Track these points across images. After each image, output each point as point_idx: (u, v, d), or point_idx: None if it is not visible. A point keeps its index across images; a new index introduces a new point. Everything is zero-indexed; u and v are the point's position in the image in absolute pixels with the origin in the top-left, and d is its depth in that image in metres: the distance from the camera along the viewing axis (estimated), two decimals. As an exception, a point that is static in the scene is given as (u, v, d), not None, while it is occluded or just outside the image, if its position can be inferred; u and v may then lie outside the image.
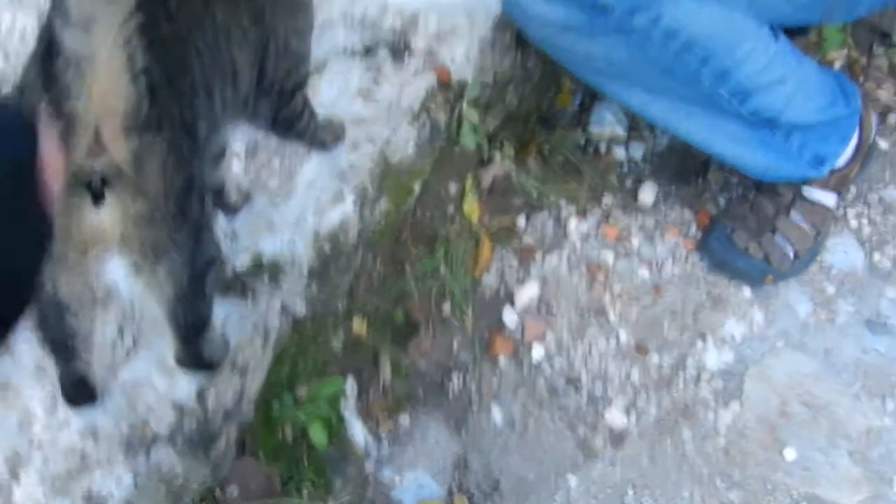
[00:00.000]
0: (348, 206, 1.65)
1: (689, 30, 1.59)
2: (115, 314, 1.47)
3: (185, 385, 1.45)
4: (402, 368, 1.82)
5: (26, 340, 1.37)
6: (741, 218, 2.00)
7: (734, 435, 1.84)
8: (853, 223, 2.08)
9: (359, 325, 1.74)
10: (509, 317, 1.94)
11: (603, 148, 2.14)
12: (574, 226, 2.04)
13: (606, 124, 2.10)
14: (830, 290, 2.01)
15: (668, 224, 2.08)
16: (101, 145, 1.00)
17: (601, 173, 2.10)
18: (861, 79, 2.33)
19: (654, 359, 1.93)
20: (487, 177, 1.95)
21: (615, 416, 1.86)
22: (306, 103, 1.48)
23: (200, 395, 1.46)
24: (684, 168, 2.14)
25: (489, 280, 1.97)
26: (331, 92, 1.74)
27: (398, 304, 1.82)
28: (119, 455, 1.40)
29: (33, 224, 0.81)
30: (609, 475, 1.81)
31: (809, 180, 1.94)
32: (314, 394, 1.61)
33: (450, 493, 1.78)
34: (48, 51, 0.98)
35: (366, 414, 1.78)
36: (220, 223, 1.56)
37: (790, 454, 1.83)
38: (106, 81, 0.96)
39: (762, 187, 1.98)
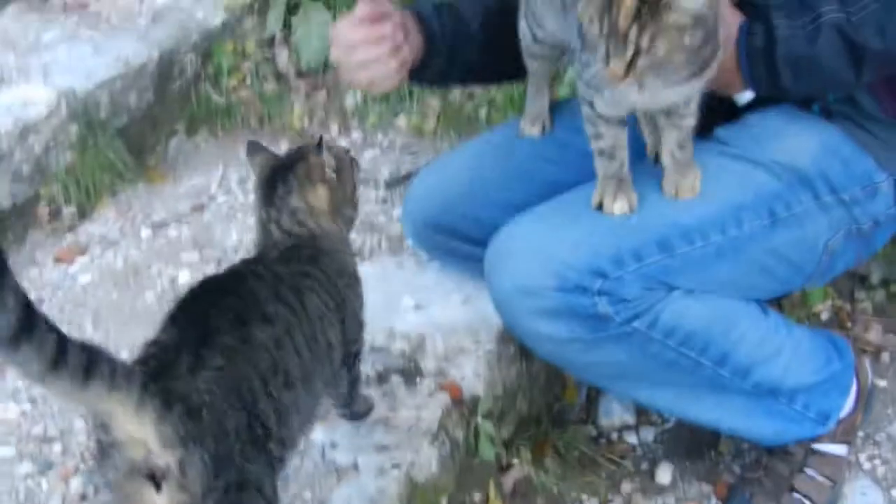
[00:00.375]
0: (377, 531, 1.99)
1: (686, 324, 2.00)
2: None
3: None
4: None
5: None
6: (758, 483, 2.31)
7: None
8: (866, 465, 2.43)
9: None
10: None
11: (615, 436, 2.54)
12: (598, 518, 2.39)
13: (615, 414, 2.52)
14: (857, 534, 2.34)
15: (687, 500, 2.41)
16: (151, 450, 1.40)
17: (617, 461, 2.42)
18: (849, 324, 2.77)
19: None
20: (508, 482, 2.30)
21: None
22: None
23: None
24: (696, 443, 2.51)
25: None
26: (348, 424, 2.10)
27: None
28: None
29: None
30: None
31: (819, 436, 2.28)
32: None
33: None
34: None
35: None
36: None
37: None
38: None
39: (774, 450, 2.30)
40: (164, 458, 1.39)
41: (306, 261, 1.76)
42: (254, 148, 1.94)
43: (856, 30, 1.88)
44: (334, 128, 3.36)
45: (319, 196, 1.83)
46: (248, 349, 1.54)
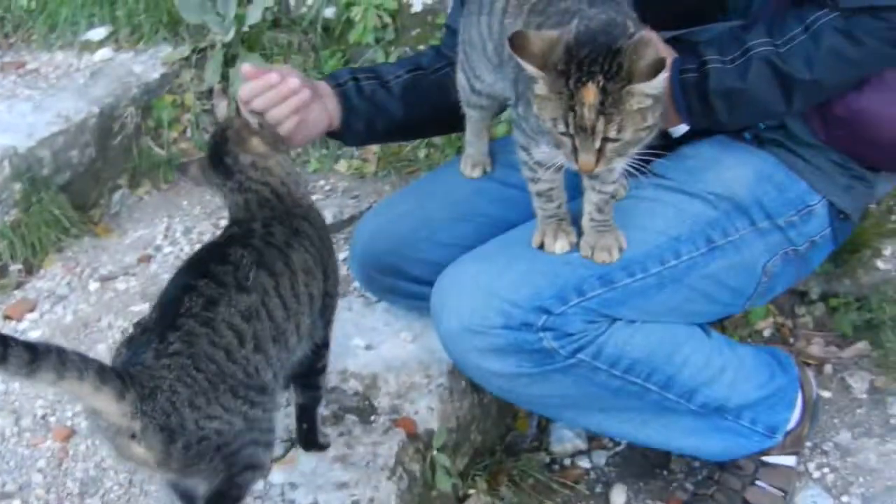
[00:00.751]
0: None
1: (630, 353, 2.07)
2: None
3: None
4: None
5: None
6: (711, 499, 2.36)
7: None
8: (816, 474, 2.50)
9: None
10: None
11: (568, 462, 2.59)
12: (557, 546, 2.43)
13: (566, 441, 2.58)
14: (809, 540, 2.41)
15: (643, 520, 2.48)
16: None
17: (571, 486, 2.47)
18: (791, 340, 2.84)
19: None
20: (466, 513, 2.32)
21: None
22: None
23: None
24: (648, 464, 2.57)
25: None
26: (309, 461, 2.16)
27: None
28: None
29: None
30: None
31: (767, 449, 2.34)
32: None
33: None
34: None
35: None
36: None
37: None
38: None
39: (724, 465, 2.37)
40: (128, 425, 1.69)
41: (293, 218, 2.03)
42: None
43: (784, 62, 1.97)
44: (275, 175, 3.41)
45: (257, 144, 2.04)
46: (210, 332, 1.78)
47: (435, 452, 2.23)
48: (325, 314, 2.09)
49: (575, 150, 1.74)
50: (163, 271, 2.96)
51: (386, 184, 3.31)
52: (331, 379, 2.30)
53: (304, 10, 3.57)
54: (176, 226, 3.20)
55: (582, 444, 2.58)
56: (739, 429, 2.26)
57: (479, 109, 2.24)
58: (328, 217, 3.07)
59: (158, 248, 3.10)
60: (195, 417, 1.73)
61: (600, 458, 2.58)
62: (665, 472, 2.53)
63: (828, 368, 2.76)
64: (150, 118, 3.48)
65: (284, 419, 2.24)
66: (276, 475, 2.11)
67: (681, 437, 2.25)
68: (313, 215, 2.11)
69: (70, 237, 3.13)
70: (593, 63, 1.69)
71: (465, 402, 2.37)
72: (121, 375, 1.69)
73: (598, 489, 2.51)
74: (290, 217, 2.03)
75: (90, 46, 3.72)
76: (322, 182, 3.36)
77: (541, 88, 1.74)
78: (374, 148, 3.36)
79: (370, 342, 2.45)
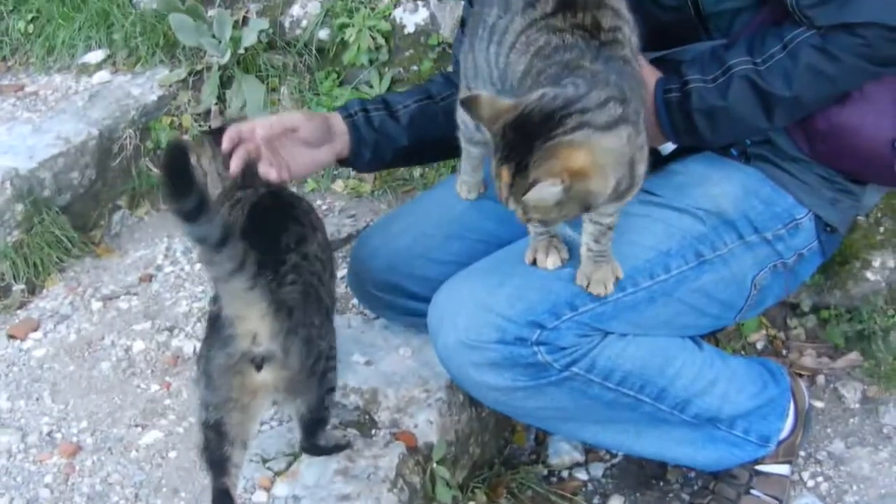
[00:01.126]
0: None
1: (623, 366, 2.13)
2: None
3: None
4: None
5: None
6: (706, 508, 2.45)
7: None
8: (810, 483, 2.54)
9: None
10: None
11: (566, 474, 2.64)
12: (552, 560, 2.51)
13: (564, 453, 2.64)
14: (805, 549, 2.47)
15: (640, 531, 2.53)
16: (258, 342, 1.96)
17: (569, 498, 2.53)
18: (784, 351, 2.89)
19: None
20: (468, 524, 2.38)
21: None
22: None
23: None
24: (644, 475, 2.63)
25: None
26: (311, 474, 2.23)
27: None
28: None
29: None
30: None
31: (761, 458, 2.40)
32: None
33: None
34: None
35: None
36: None
37: None
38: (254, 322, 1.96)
39: (719, 474, 2.43)
40: (269, 347, 1.97)
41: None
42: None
43: (764, 80, 2.03)
44: (273, 195, 3.48)
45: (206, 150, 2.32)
46: (307, 263, 2.13)
47: (435, 465, 2.30)
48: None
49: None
50: (164, 290, 3.03)
51: (382, 203, 3.38)
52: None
53: (298, 31, 3.62)
54: (176, 245, 3.27)
55: (579, 457, 2.64)
56: (733, 438, 2.32)
57: (481, 146, 2.26)
58: (326, 236, 3.15)
59: (159, 268, 3.17)
60: (317, 334, 2.08)
61: (597, 469, 2.63)
62: (661, 483, 2.59)
63: (820, 379, 2.80)
64: (149, 139, 3.54)
65: (287, 434, 2.33)
66: (280, 488, 2.19)
67: (675, 447, 2.31)
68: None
69: (72, 257, 3.20)
70: (513, 150, 1.76)
71: (464, 415, 2.44)
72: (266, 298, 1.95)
73: (596, 500, 2.56)
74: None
75: (88, 69, 3.79)
76: (319, 202, 3.42)
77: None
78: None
79: (370, 358, 2.52)
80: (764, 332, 2.91)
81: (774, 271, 2.26)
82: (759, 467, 2.40)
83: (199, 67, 3.64)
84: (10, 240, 3.08)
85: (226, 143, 2.21)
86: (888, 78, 2.09)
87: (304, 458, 2.25)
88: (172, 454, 2.40)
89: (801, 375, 2.75)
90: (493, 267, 2.16)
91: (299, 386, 2.07)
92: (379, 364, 2.50)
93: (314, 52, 3.58)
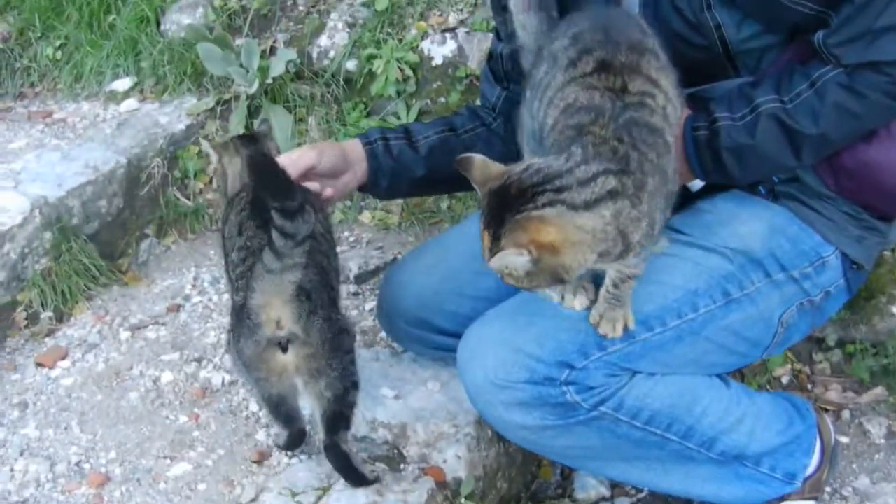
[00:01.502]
0: None
1: (651, 405, 2.17)
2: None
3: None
4: None
5: None
6: (732, 544, 2.47)
7: None
8: (835, 519, 2.58)
9: None
10: None
11: (592, 509, 2.64)
12: None
13: (590, 488, 2.66)
14: (828, 588, 2.48)
15: (665, 566, 2.56)
16: (282, 326, 2.14)
17: (595, 532, 2.56)
18: (809, 386, 2.91)
19: None
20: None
21: None
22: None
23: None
24: (670, 509, 2.63)
25: None
26: None
27: None
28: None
29: None
30: None
31: (787, 495, 2.42)
32: None
33: None
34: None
35: None
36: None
37: None
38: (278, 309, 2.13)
39: (746, 511, 2.47)
40: (292, 329, 2.14)
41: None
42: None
43: (791, 117, 2.07)
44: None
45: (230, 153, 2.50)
46: (316, 243, 2.20)
47: (463, 500, 2.33)
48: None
49: None
50: (192, 321, 3.07)
51: (410, 235, 3.42)
52: (361, 428, 2.42)
53: (326, 62, 3.68)
54: (203, 275, 3.32)
55: (605, 492, 2.65)
56: (759, 475, 2.34)
57: None
58: (353, 268, 3.20)
59: (187, 298, 3.21)
60: (335, 315, 2.23)
61: (624, 504, 2.68)
62: (687, 518, 2.63)
63: (845, 414, 2.82)
64: (177, 168, 3.59)
65: (316, 467, 2.36)
66: (311, 524, 2.24)
67: (701, 484, 2.34)
68: None
69: (99, 286, 3.24)
70: (493, 218, 1.83)
71: (492, 450, 2.47)
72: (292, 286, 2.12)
73: (622, 535, 2.61)
74: None
75: (115, 97, 3.86)
76: (347, 233, 3.47)
77: None
78: (398, 199, 3.45)
79: (398, 392, 2.56)
80: (789, 366, 2.93)
81: (801, 309, 2.29)
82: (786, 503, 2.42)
83: (226, 97, 3.69)
84: (39, 267, 3.12)
85: None
86: None
87: (334, 492, 2.28)
88: (202, 486, 2.42)
89: (826, 410, 2.77)
90: (522, 307, 2.20)
91: (322, 363, 2.19)
92: (408, 398, 2.54)
93: (342, 82, 3.64)
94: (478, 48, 3.45)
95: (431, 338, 2.53)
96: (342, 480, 2.28)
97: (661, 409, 2.17)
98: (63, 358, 2.95)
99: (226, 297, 3.06)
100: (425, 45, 3.53)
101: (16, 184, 3.24)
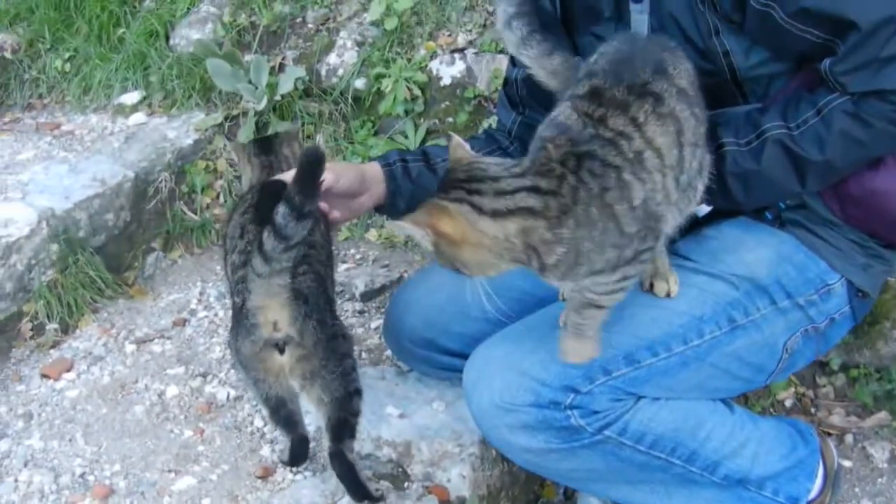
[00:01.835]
0: None
1: (655, 429, 2.19)
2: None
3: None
4: None
5: None
6: (734, 567, 2.49)
7: None
8: (838, 543, 2.59)
9: None
10: None
11: (594, 529, 2.66)
12: None
13: (593, 508, 2.64)
14: None
15: (667, 589, 2.55)
16: (279, 328, 2.20)
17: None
18: (813, 410, 2.93)
19: None
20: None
21: None
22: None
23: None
24: (672, 532, 2.65)
25: None
26: None
27: None
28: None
29: None
30: None
31: (790, 520, 2.47)
32: None
33: None
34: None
35: None
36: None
37: None
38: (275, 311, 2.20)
39: (748, 535, 2.50)
40: (288, 331, 2.20)
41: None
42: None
43: (797, 144, 2.09)
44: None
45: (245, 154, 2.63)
46: (315, 252, 2.32)
47: (468, 532, 2.37)
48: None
49: None
50: (197, 335, 3.10)
51: (416, 254, 3.44)
52: (365, 446, 2.45)
53: (334, 80, 3.72)
54: (209, 290, 3.35)
55: (609, 510, 2.69)
56: (762, 500, 2.35)
57: None
58: (359, 286, 3.22)
59: (193, 312, 3.24)
60: (329, 316, 2.29)
61: (627, 517, 2.68)
62: (688, 540, 2.64)
63: (849, 438, 2.84)
64: (184, 183, 3.62)
65: (321, 484, 2.38)
66: (317, 545, 2.27)
67: (705, 508, 2.37)
68: None
69: (105, 298, 3.27)
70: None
71: (496, 469, 2.50)
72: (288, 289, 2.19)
73: (623, 555, 2.62)
74: None
75: (124, 110, 3.90)
76: (353, 251, 3.50)
77: None
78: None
79: (403, 411, 2.58)
80: (793, 390, 2.96)
81: (806, 335, 2.30)
82: (789, 528, 2.45)
83: (235, 112, 3.73)
84: (45, 279, 3.15)
85: None
86: None
87: (339, 511, 2.33)
88: (206, 501, 2.44)
89: (829, 434, 2.80)
90: (528, 331, 2.22)
91: (316, 364, 2.25)
92: (413, 417, 2.56)
93: (350, 100, 3.67)
94: (486, 69, 3.49)
95: (437, 358, 2.56)
96: (347, 497, 2.30)
97: (665, 434, 2.19)
98: (68, 370, 2.98)
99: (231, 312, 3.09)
100: (434, 65, 3.57)
101: (23, 195, 3.27)
